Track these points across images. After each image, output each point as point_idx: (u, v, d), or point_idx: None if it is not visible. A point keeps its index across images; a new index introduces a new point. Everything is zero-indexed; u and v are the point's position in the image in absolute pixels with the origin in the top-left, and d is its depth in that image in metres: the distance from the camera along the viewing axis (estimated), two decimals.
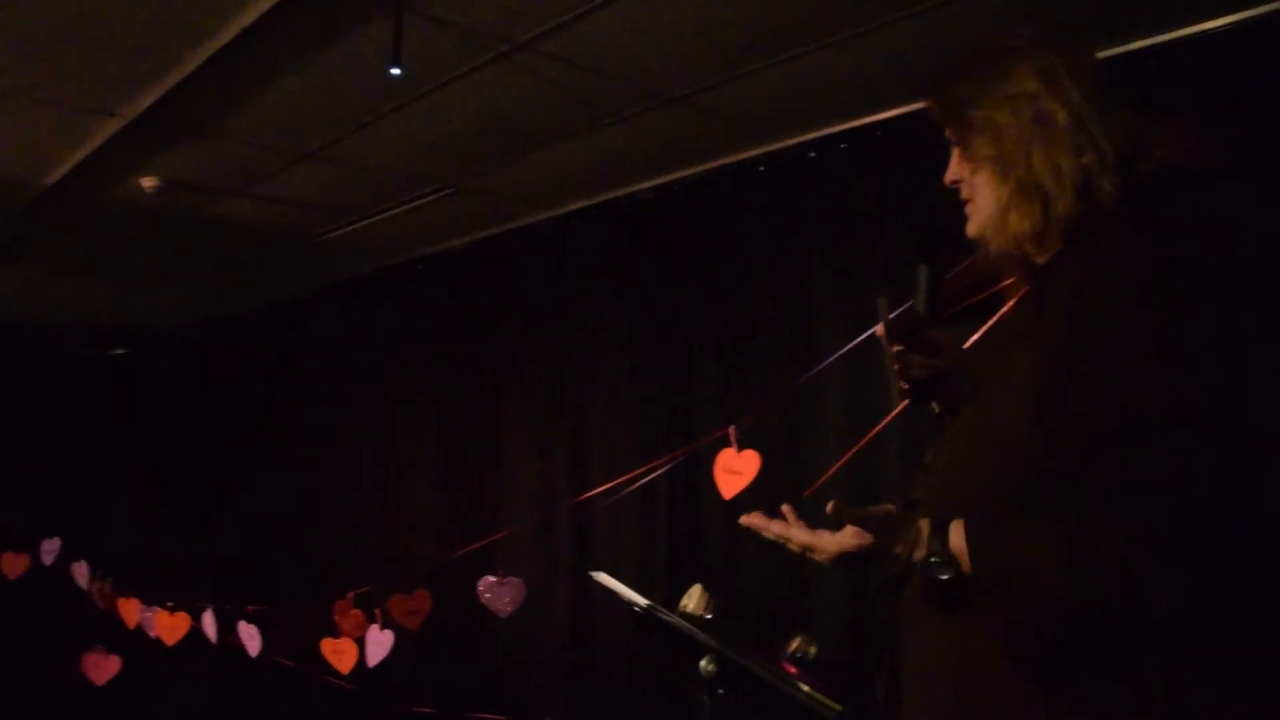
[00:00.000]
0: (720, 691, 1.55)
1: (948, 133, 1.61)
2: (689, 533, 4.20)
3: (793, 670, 1.48)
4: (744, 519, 1.56)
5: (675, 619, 1.53)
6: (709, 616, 1.59)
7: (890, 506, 1.50)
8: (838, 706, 1.44)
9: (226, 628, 4.19)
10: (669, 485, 4.22)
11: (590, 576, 1.68)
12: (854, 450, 3.18)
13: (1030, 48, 1.55)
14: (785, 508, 1.53)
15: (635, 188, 4.52)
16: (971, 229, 1.58)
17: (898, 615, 1.54)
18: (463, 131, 3.82)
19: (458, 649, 5.06)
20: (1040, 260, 1.52)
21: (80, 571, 4.84)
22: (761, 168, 4.05)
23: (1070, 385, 1.32)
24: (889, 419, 2.96)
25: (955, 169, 1.60)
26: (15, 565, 5.01)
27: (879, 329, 1.65)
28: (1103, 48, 2.99)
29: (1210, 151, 1.47)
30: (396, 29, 2.77)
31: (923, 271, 1.64)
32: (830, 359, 3.31)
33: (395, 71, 2.82)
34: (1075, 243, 1.47)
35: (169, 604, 4.39)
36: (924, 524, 1.42)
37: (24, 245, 4.04)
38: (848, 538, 1.46)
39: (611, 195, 4.63)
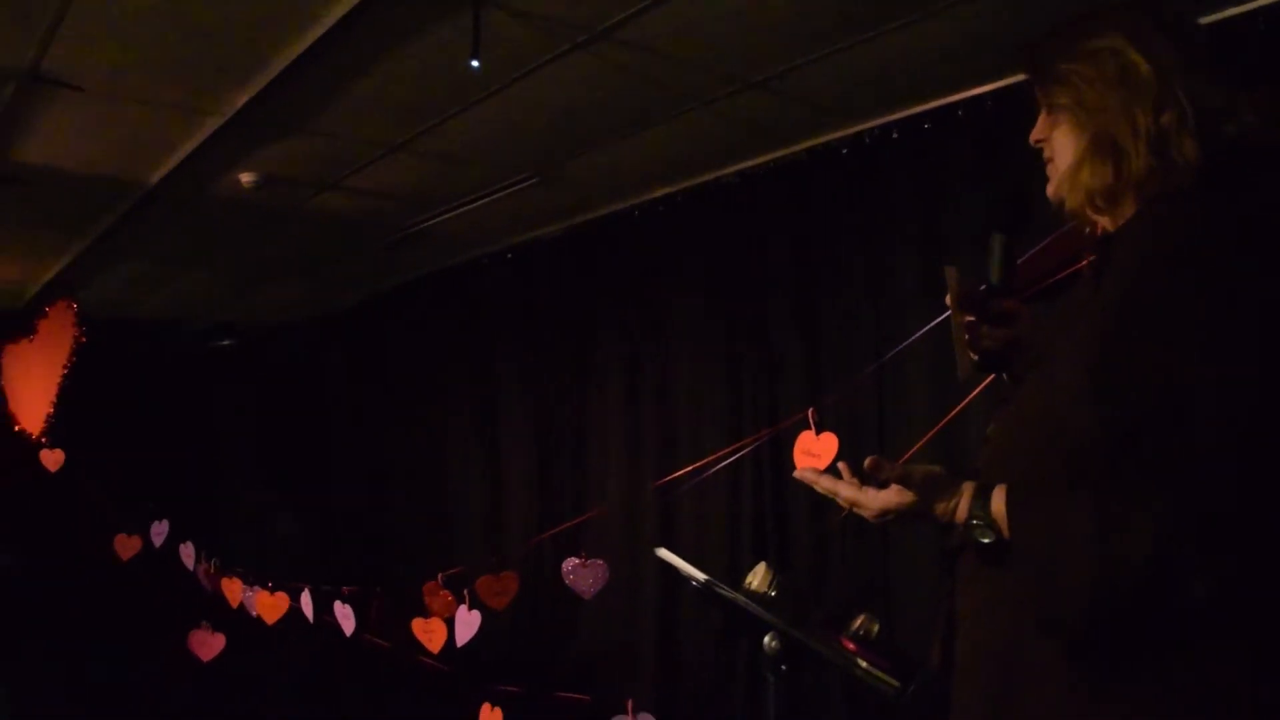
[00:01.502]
0: (784, 668, 1.57)
1: (1038, 94, 1.60)
2: (773, 515, 4.21)
3: (852, 647, 1.49)
4: (797, 473, 1.59)
5: (733, 593, 1.56)
6: (773, 594, 1.61)
7: (938, 468, 1.50)
8: (895, 683, 1.45)
9: (323, 608, 4.33)
10: (754, 468, 4.24)
11: (655, 553, 1.71)
12: (936, 430, 3.16)
13: (1122, 7, 1.53)
14: (841, 465, 1.56)
15: (719, 173, 4.53)
16: (1050, 189, 1.57)
17: (953, 584, 1.54)
18: (545, 121, 3.88)
19: (547, 630, 5.16)
20: (1110, 227, 1.50)
21: (187, 553, 5.05)
22: (845, 150, 4.03)
23: (1120, 359, 1.30)
24: (971, 396, 2.93)
25: (1040, 128, 1.58)
26: (128, 547, 5.25)
27: (948, 299, 1.64)
28: (1204, 13, 2.92)
29: None
30: (475, 22, 2.83)
31: (997, 240, 1.63)
32: (911, 339, 3.29)
33: (475, 64, 2.88)
34: (1147, 210, 1.44)
35: (269, 584, 4.55)
36: (968, 487, 1.42)
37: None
38: (891, 495, 1.48)
39: (696, 181, 4.64)
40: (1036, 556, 1.33)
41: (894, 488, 1.47)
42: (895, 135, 3.82)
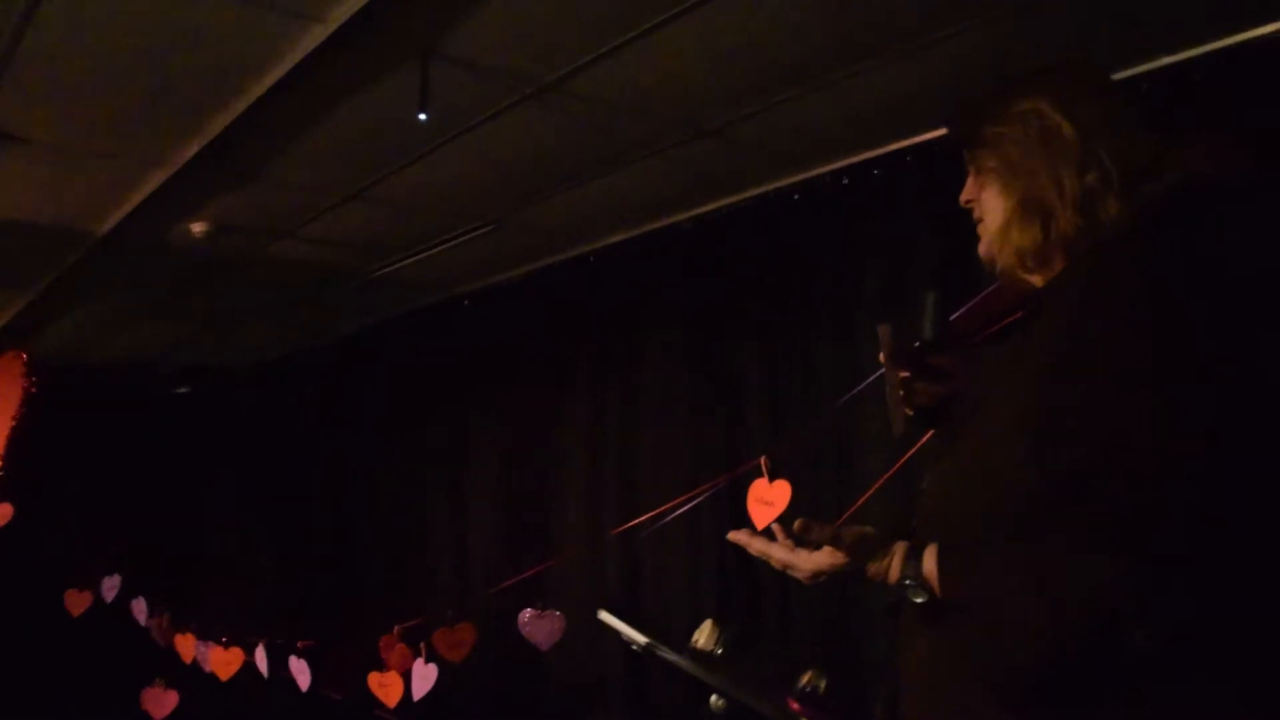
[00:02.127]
0: None
1: (965, 156, 1.63)
2: (737, 562, 4.18)
3: (796, 706, 1.47)
4: (731, 535, 1.64)
5: (674, 656, 1.55)
6: (719, 651, 1.60)
7: (869, 529, 1.50)
8: None
9: (278, 663, 4.25)
10: (715, 515, 4.21)
11: (598, 616, 1.69)
12: (879, 484, 3.16)
13: (1046, 70, 1.56)
14: (775, 527, 1.58)
15: (675, 218, 4.54)
16: (981, 248, 1.59)
17: (896, 639, 1.54)
18: (497, 170, 3.88)
19: (510, 682, 5.09)
20: (1039, 283, 1.51)
21: (139, 608, 4.95)
22: (797, 195, 4.05)
23: (1054, 409, 1.31)
24: (912, 451, 2.93)
25: (969, 189, 1.62)
26: (79, 602, 5.14)
27: (881, 356, 1.65)
28: (1138, 64, 2.97)
29: (1225, 168, 1.46)
30: (423, 75, 2.82)
31: (930, 296, 1.66)
32: (859, 387, 3.29)
33: (422, 116, 2.88)
34: (1073, 266, 1.46)
35: (223, 639, 4.47)
36: (899, 547, 1.42)
37: None
38: (823, 557, 1.50)
39: (652, 226, 4.65)
40: (974, 613, 1.33)
41: (826, 550, 1.47)
42: (845, 181, 3.85)
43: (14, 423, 5.33)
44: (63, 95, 3.08)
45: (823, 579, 1.51)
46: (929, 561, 1.40)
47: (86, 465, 6.91)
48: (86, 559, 5.25)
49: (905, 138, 3.63)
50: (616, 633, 1.69)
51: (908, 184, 3.65)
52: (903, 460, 3.02)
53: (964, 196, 1.61)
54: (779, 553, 1.54)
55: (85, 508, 6.38)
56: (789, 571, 1.55)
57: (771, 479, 3.13)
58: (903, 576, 1.41)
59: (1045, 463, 1.30)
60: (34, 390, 5.30)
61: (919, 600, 1.38)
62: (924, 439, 2.96)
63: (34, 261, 4.83)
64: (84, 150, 3.50)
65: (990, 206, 1.55)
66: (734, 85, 3.23)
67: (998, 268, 1.55)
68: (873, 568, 1.47)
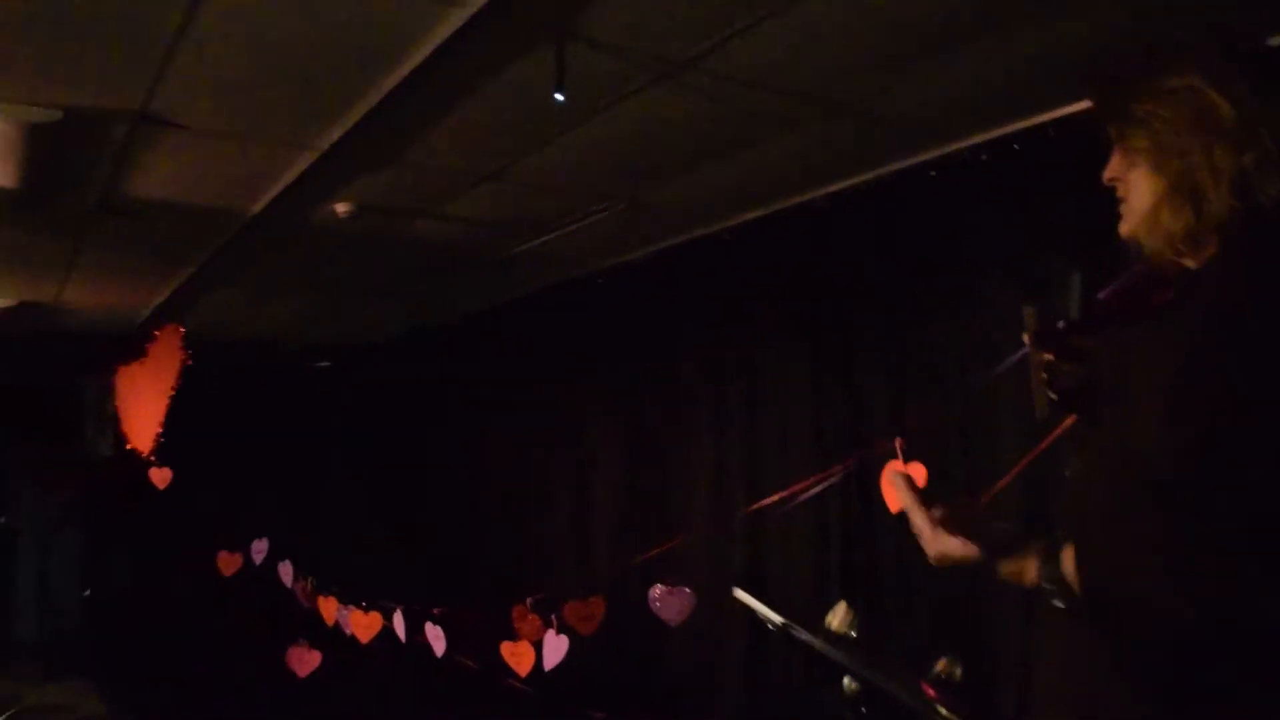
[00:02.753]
0: (863, 710, 1.55)
1: (1110, 130, 1.57)
2: (863, 544, 4.15)
3: (932, 693, 1.46)
4: (892, 472, 1.62)
5: (809, 636, 1.54)
6: (853, 634, 1.59)
7: (1010, 525, 1.47)
8: None
9: (415, 628, 4.40)
10: (842, 496, 4.19)
11: (733, 594, 1.71)
12: (1021, 466, 3.08)
13: (1197, 43, 1.49)
14: (936, 511, 1.52)
15: (808, 196, 4.50)
16: (1124, 229, 1.53)
17: (1032, 632, 1.52)
18: (631, 149, 3.91)
19: (636, 656, 5.16)
20: (1193, 265, 1.46)
21: (285, 571, 5.18)
22: (933, 172, 3.97)
23: (1195, 384, 1.28)
24: (1053, 437, 2.86)
25: (1113, 167, 1.55)
26: (230, 563, 5.41)
27: (1025, 337, 1.61)
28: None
29: None
30: (559, 55, 2.86)
31: (1076, 277, 1.61)
32: (1000, 368, 3.22)
33: (559, 97, 2.92)
34: (1231, 249, 1.40)
35: (363, 604, 4.65)
36: (1037, 550, 1.40)
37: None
38: (955, 544, 1.46)
39: (784, 204, 4.63)
40: (1116, 610, 1.30)
41: (960, 539, 1.45)
42: (984, 157, 3.75)
43: (172, 392, 5.63)
44: (220, 84, 3.23)
45: (949, 564, 1.48)
46: (1067, 563, 1.37)
47: (236, 434, 7.24)
48: (237, 523, 5.51)
49: (1045, 111, 3.52)
50: (743, 612, 1.69)
51: (1049, 159, 3.54)
52: (1043, 445, 2.95)
53: (1108, 174, 1.55)
54: (919, 518, 1.50)
55: (235, 474, 6.70)
56: (919, 540, 1.52)
57: (906, 461, 3.10)
58: (1041, 580, 1.38)
59: (1183, 448, 1.27)
60: (190, 362, 5.58)
61: (1059, 605, 1.36)
62: (1064, 425, 2.89)
63: (190, 241, 5.08)
64: (238, 135, 3.66)
65: (1138, 187, 1.49)
66: (868, 60, 3.18)
67: (1144, 250, 1.50)
68: (1006, 568, 1.44)
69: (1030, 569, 1.40)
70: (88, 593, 8.39)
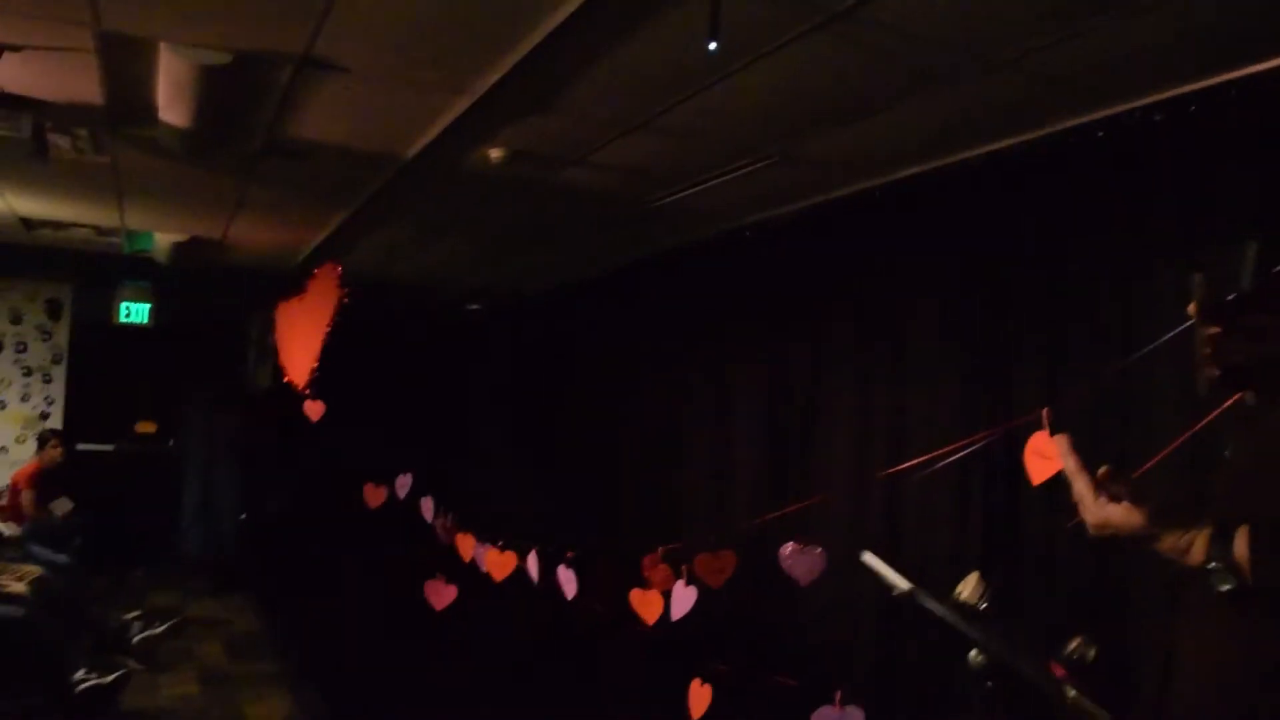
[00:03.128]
0: (989, 684, 1.50)
1: None
2: (1004, 514, 4.04)
3: (1061, 672, 1.40)
4: (1057, 437, 1.55)
5: (937, 605, 1.50)
6: (983, 606, 1.54)
7: (1178, 498, 1.39)
8: (1105, 714, 1.35)
9: (548, 570, 4.48)
10: (985, 465, 4.07)
11: (862, 558, 1.67)
12: (1175, 445, 2.92)
13: None
14: (1102, 470, 1.47)
15: (965, 155, 4.35)
16: None
17: (1175, 618, 1.43)
18: (784, 101, 3.84)
19: (766, 613, 5.16)
20: None
21: (427, 506, 5.34)
22: (1101, 133, 3.77)
23: None
24: (1214, 414, 2.69)
25: None
26: (376, 496, 5.60)
27: (1192, 308, 1.52)
28: None
29: None
30: (714, 2, 2.81)
31: (1250, 247, 1.49)
32: (1153, 345, 3.05)
33: (713, 45, 2.87)
34: None
35: (499, 542, 4.75)
36: (1206, 526, 1.32)
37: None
38: (1118, 510, 1.40)
39: (941, 163, 4.48)
40: None
41: (1124, 505, 1.38)
42: (1157, 118, 3.54)
43: (329, 328, 5.83)
44: (380, 27, 3.30)
45: (1109, 532, 1.42)
46: (1240, 545, 1.29)
47: (388, 371, 7.49)
48: (384, 457, 5.71)
49: (1226, 71, 3.29)
50: (875, 576, 1.65)
51: (1229, 122, 3.32)
52: (1203, 423, 2.79)
53: None
54: (1082, 482, 1.45)
55: (385, 411, 6.94)
56: (1079, 508, 1.46)
57: (1053, 433, 2.97)
58: (1208, 559, 1.30)
59: None
60: (346, 300, 5.76)
61: (1225, 588, 1.28)
62: (1229, 402, 2.73)
63: (350, 184, 5.24)
64: (397, 79, 3.74)
65: None
66: (1032, 14, 3.03)
67: None
68: (1169, 540, 1.36)
69: (1198, 547, 1.32)
70: (244, 516, 8.86)
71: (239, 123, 4.20)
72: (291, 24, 3.27)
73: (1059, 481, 3.23)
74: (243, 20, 3.25)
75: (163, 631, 5.93)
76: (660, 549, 4.06)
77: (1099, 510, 1.42)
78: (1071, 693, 1.36)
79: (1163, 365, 3.31)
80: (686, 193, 5.16)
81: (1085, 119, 3.79)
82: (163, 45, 3.45)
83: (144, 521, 8.47)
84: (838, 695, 3.33)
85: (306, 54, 3.50)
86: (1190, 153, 3.46)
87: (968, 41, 3.24)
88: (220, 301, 8.45)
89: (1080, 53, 3.26)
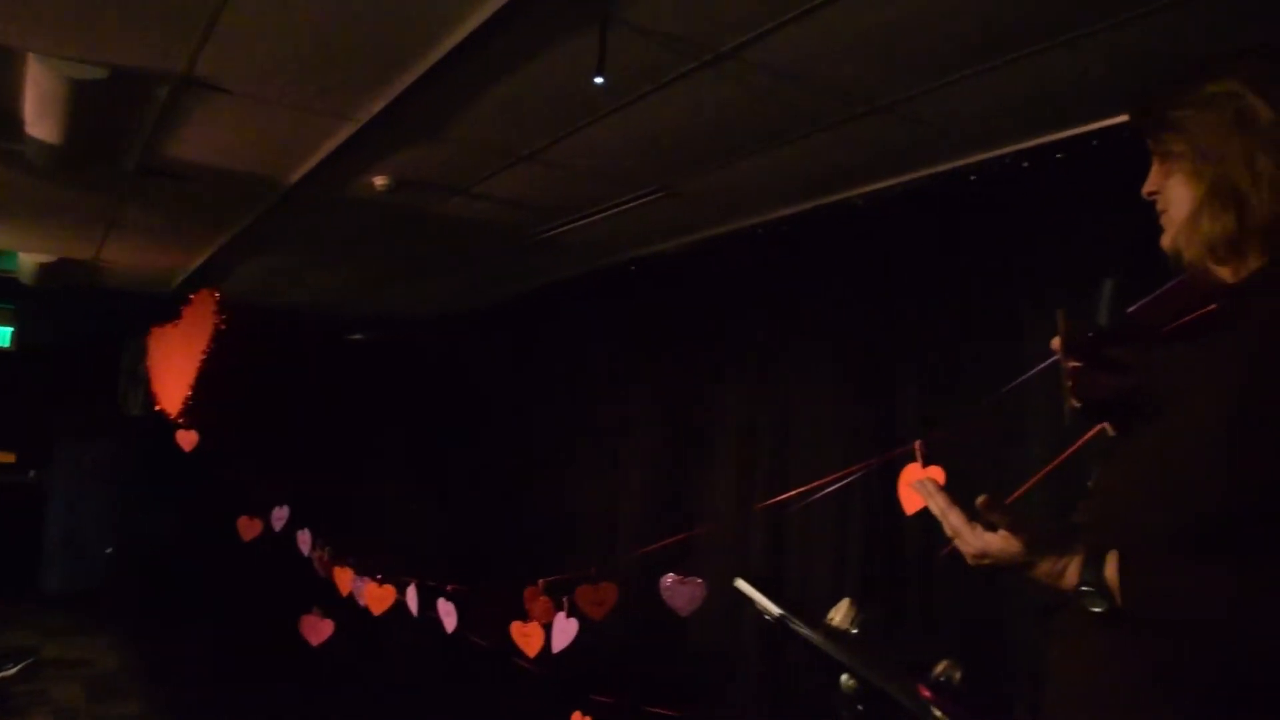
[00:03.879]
0: (860, 708, 1.54)
1: (1149, 142, 1.53)
2: (884, 543, 4.13)
3: (928, 694, 1.44)
4: (917, 482, 1.54)
5: (808, 630, 1.53)
6: (854, 631, 1.58)
7: (1051, 525, 1.45)
8: None
9: (428, 603, 4.43)
10: (865, 495, 4.17)
11: (735, 584, 1.69)
12: (1041, 475, 3.05)
13: (1238, 52, 1.47)
14: (981, 499, 1.46)
15: (845, 195, 4.48)
16: (1165, 240, 1.51)
17: (1049, 641, 1.49)
18: (670, 137, 3.90)
19: (648, 645, 5.17)
20: (1235, 276, 1.43)
21: (304, 539, 5.22)
22: (973, 177, 3.93)
23: (1259, 420, 1.25)
24: (1078, 445, 2.82)
25: (1152, 179, 1.53)
26: (250, 528, 5.46)
27: (1055, 342, 1.59)
28: None
29: None
30: (601, 39, 2.85)
31: (1108, 284, 1.55)
32: (1028, 375, 3.19)
33: (599, 80, 2.91)
34: (1277, 263, 1.37)
35: (378, 576, 4.68)
36: (1078, 550, 1.37)
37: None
38: (995, 540, 1.41)
39: (822, 201, 4.60)
40: (1159, 628, 1.28)
41: (1001, 534, 1.42)
42: (1025, 164, 3.71)
43: (203, 355, 5.68)
44: (264, 49, 3.24)
45: (987, 562, 1.44)
46: (1111, 569, 1.33)
47: (265, 401, 7.31)
48: (259, 489, 5.56)
49: (1090, 121, 3.48)
50: (753, 603, 1.68)
51: (1091, 169, 3.50)
52: (1066, 455, 2.91)
53: (1147, 188, 1.53)
54: (955, 518, 1.46)
55: (261, 441, 6.76)
56: (956, 541, 1.48)
57: (925, 464, 3.07)
58: (1081, 582, 1.34)
59: (1240, 474, 1.25)
60: (223, 327, 5.62)
61: (1096, 609, 1.32)
62: (1091, 433, 2.86)
63: (230, 207, 5.12)
64: (280, 103, 3.68)
65: (1176, 196, 1.46)
66: (911, 61, 3.15)
67: (1184, 260, 1.47)
68: (1044, 566, 1.39)
69: (1071, 571, 1.36)
70: (110, 550, 8.51)
71: (113, 140, 4.08)
72: (172, 42, 3.19)
73: (926, 512, 3.35)
74: (120, 35, 3.16)
75: (15, 673, 5.65)
76: (541, 581, 4.05)
77: (976, 540, 1.44)
78: (938, 713, 1.40)
79: (1034, 398, 3.45)
80: (572, 225, 5.19)
81: (959, 163, 3.94)
82: (31, 56, 3.33)
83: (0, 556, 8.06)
84: None
85: (187, 73, 3.42)
86: (1055, 197, 3.63)
87: (848, 86, 3.35)
88: (90, 325, 8.14)
89: (955, 101, 3.40)
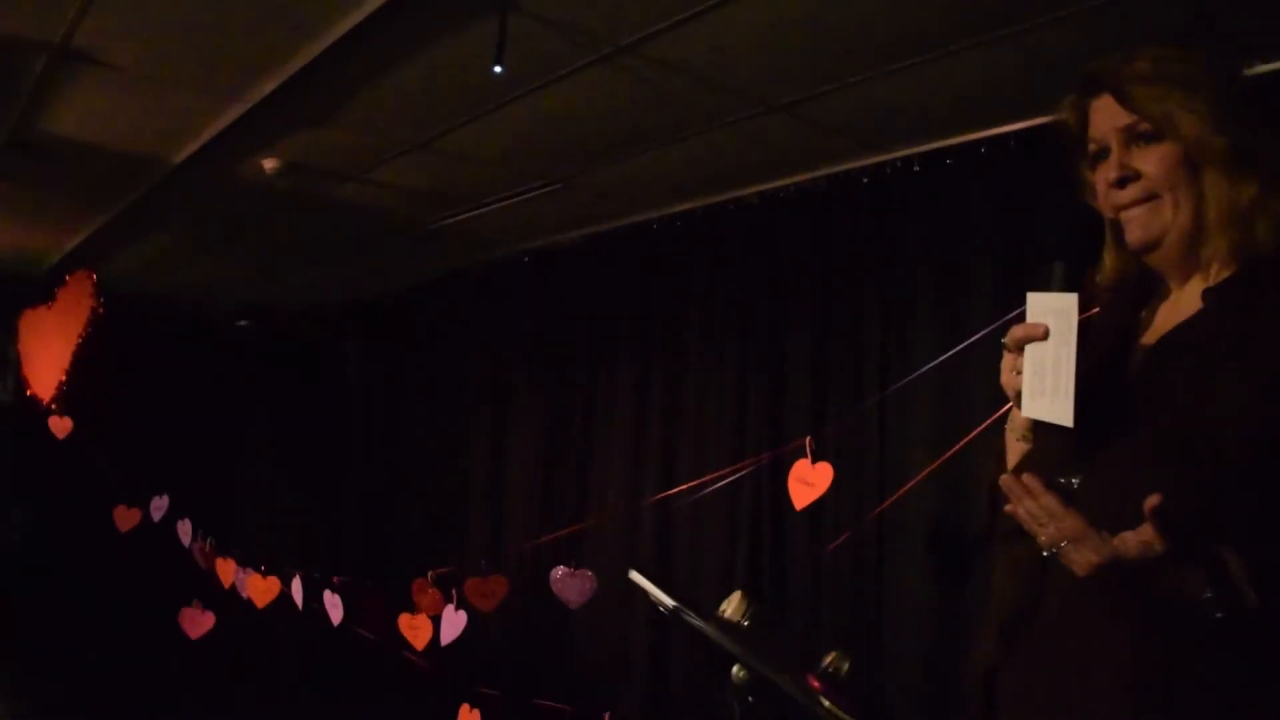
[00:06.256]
0: (750, 699, 1.56)
1: (1124, 124, 1.44)
2: (772, 538, 4.20)
3: (817, 685, 1.47)
4: (1010, 479, 1.31)
5: (700, 621, 1.55)
6: (745, 623, 1.60)
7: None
8: None
9: (313, 595, 4.34)
10: (753, 490, 4.23)
11: (629, 575, 1.70)
12: (936, 465, 3.14)
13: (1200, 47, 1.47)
14: (1151, 501, 1.21)
15: (740, 193, 4.54)
16: (1136, 234, 1.44)
17: (1010, 636, 1.44)
18: (568, 129, 3.89)
19: (537, 637, 5.16)
20: (1219, 274, 1.42)
21: (184, 529, 5.07)
22: (865, 179, 4.03)
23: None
24: (977, 431, 2.91)
25: (1134, 162, 1.44)
26: (127, 519, 5.28)
27: (1013, 335, 1.42)
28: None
29: None
30: (501, 27, 2.83)
31: (1057, 269, 1.42)
32: (916, 374, 3.28)
33: (497, 69, 2.89)
34: (1261, 266, 1.38)
35: (262, 568, 4.57)
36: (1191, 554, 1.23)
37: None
38: (1132, 541, 1.21)
39: (717, 199, 4.65)
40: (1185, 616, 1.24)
41: (1142, 531, 1.22)
42: (916, 168, 3.82)
43: (79, 340, 5.46)
44: (149, 22, 3.13)
45: (1094, 560, 1.24)
46: (1236, 568, 1.20)
47: (142, 388, 7.06)
48: (136, 478, 5.38)
49: (980, 129, 3.60)
50: (644, 595, 1.69)
51: (978, 174, 3.63)
52: (951, 453, 3.00)
53: (1116, 172, 1.44)
54: (1076, 520, 1.26)
55: (139, 428, 6.53)
56: (1070, 547, 1.27)
57: (814, 460, 3.13)
58: (1210, 586, 1.20)
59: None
60: (100, 310, 5.41)
61: (1218, 615, 1.20)
62: (984, 426, 2.94)
63: (109, 187, 4.92)
64: (166, 79, 3.56)
65: (1157, 183, 1.42)
66: (809, 62, 3.21)
67: (1160, 252, 1.45)
68: (1182, 581, 1.22)
69: (1193, 575, 1.22)
70: None
71: None
72: (48, 9, 3.06)
73: (821, 505, 3.42)
74: None
75: None
76: (430, 572, 4.02)
77: (1105, 547, 1.23)
78: (826, 703, 1.42)
79: (920, 394, 3.55)
80: (467, 215, 5.14)
81: (852, 165, 4.03)
82: None
83: None
84: (606, 717, 3.38)
85: (64, 44, 3.28)
86: (943, 201, 3.75)
87: (746, 85, 3.40)
88: None
89: (848, 104, 3.47)
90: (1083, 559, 1.25)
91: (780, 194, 4.37)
